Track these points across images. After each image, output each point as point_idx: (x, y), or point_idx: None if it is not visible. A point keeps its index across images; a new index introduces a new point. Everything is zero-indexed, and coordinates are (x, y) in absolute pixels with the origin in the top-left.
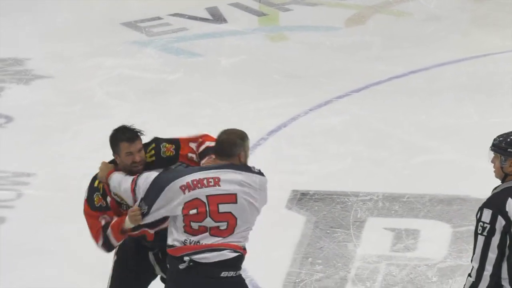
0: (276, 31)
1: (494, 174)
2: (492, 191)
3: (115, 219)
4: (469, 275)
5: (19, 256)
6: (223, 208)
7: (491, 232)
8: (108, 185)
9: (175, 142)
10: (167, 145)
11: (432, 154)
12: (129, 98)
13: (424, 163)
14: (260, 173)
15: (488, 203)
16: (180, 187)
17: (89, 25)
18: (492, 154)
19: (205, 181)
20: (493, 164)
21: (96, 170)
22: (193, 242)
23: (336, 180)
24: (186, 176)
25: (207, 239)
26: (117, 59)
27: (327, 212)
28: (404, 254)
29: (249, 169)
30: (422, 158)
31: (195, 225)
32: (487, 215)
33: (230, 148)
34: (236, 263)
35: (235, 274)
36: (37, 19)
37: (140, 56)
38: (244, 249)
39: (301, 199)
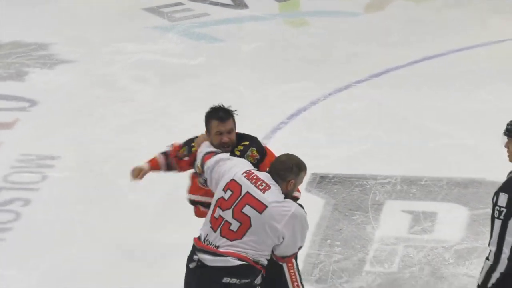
0: (297, 16)
1: (508, 158)
2: (508, 175)
3: None
4: (487, 258)
5: (43, 237)
6: (247, 210)
7: (508, 215)
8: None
9: (262, 153)
10: (254, 151)
11: (449, 139)
12: (151, 83)
13: (442, 147)
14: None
15: (504, 187)
16: (242, 172)
17: (111, 11)
18: (505, 139)
19: (259, 182)
20: (506, 149)
21: (119, 153)
22: (204, 238)
23: (354, 163)
24: (250, 168)
25: (216, 239)
26: (139, 44)
27: (346, 195)
28: (422, 236)
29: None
30: (439, 142)
31: (218, 212)
32: (503, 199)
33: (284, 172)
34: (241, 271)
35: (238, 282)
36: (60, 4)
37: (162, 41)
38: (256, 262)
39: (320, 182)
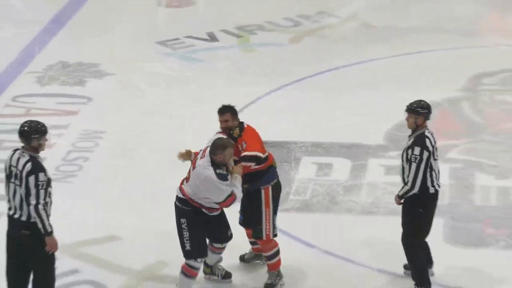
0: (248, 47)
1: (407, 126)
2: (409, 136)
3: None
4: (406, 184)
5: (97, 181)
6: (192, 169)
7: (420, 160)
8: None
9: (241, 130)
10: (237, 130)
11: (340, 119)
12: (160, 86)
13: (336, 125)
14: (219, 175)
15: (415, 143)
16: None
17: (137, 42)
18: (406, 114)
19: (202, 154)
20: (407, 121)
21: (140, 131)
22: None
23: (283, 134)
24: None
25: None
26: (153, 63)
27: (278, 153)
28: (323, 178)
29: (212, 165)
30: (335, 122)
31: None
32: (417, 150)
33: (214, 149)
34: (183, 202)
35: (181, 206)
36: (104, 37)
37: (167, 61)
38: (193, 200)
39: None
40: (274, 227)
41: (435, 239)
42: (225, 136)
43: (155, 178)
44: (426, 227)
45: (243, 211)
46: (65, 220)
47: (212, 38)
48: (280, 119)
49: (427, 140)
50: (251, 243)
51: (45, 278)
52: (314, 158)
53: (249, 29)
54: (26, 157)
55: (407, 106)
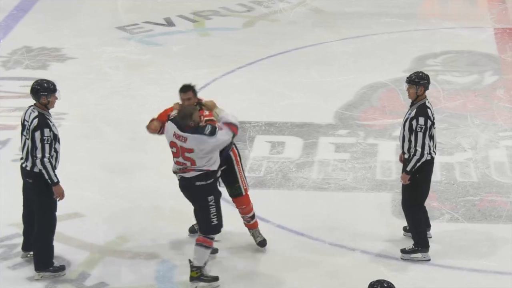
0: (203, 30)
1: (408, 97)
2: (410, 106)
3: None
4: (414, 154)
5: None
6: (187, 154)
7: (426, 129)
8: None
9: (201, 107)
10: (197, 106)
11: (292, 99)
12: (121, 70)
13: (288, 105)
14: (208, 134)
15: (418, 114)
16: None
17: (98, 28)
18: (406, 85)
19: (181, 138)
20: (407, 91)
21: (103, 110)
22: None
23: (238, 114)
24: (177, 129)
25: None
26: (114, 47)
27: None
28: (276, 155)
29: (197, 131)
30: (287, 102)
31: (174, 159)
32: (421, 120)
33: (186, 121)
34: (204, 177)
35: (205, 182)
36: (68, 23)
37: (127, 46)
38: (210, 168)
39: None
40: (246, 180)
41: (384, 213)
42: (180, 106)
43: (115, 156)
44: (425, 191)
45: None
46: None
47: (169, 23)
48: (235, 99)
49: (429, 111)
50: (249, 218)
51: (42, 223)
52: (268, 136)
53: (205, 14)
54: (35, 113)
55: (407, 77)
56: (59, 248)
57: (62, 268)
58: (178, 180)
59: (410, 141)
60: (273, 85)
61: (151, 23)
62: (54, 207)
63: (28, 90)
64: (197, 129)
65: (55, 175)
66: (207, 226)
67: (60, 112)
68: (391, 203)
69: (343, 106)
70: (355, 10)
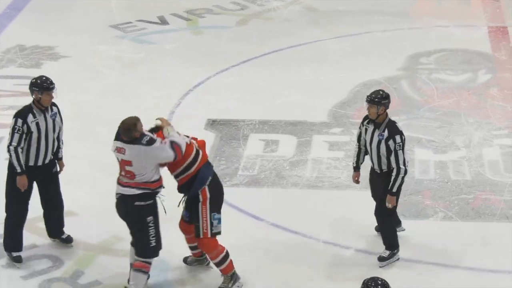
0: (197, 29)
1: (370, 116)
2: (367, 123)
3: None
4: (399, 173)
5: None
6: (127, 168)
7: (403, 146)
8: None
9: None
10: None
11: (286, 98)
12: (113, 68)
13: (281, 103)
14: (146, 142)
15: (392, 133)
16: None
17: (91, 26)
18: (367, 105)
19: (121, 150)
20: (368, 111)
21: (98, 108)
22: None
23: (232, 112)
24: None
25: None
26: (107, 45)
27: (227, 131)
28: (270, 154)
29: (135, 142)
30: (281, 100)
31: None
32: (398, 138)
33: (129, 134)
34: (144, 197)
35: (144, 203)
36: (62, 22)
37: (120, 44)
38: (150, 185)
39: (212, 123)
40: (212, 225)
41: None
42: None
43: (108, 155)
44: (398, 198)
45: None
46: None
47: (163, 21)
48: (229, 97)
49: (398, 125)
50: (190, 248)
51: (5, 206)
52: (261, 135)
53: (198, 12)
54: (27, 104)
55: (368, 97)
56: (53, 246)
57: (17, 259)
58: (116, 199)
59: (388, 160)
60: (266, 83)
61: (144, 22)
62: (17, 195)
63: (21, 88)
64: (136, 140)
65: (20, 165)
66: (145, 248)
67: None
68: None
69: (337, 104)
70: (349, 8)
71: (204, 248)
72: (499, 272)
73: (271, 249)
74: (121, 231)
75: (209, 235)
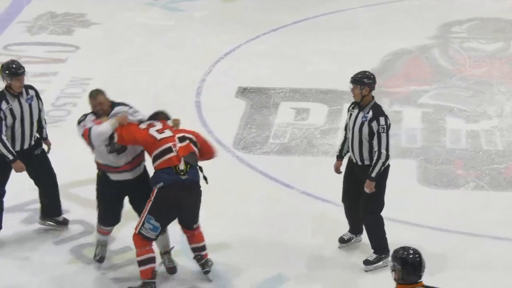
0: None
1: (354, 98)
2: (360, 107)
3: None
4: (379, 158)
5: None
6: None
7: (387, 129)
8: None
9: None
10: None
11: (317, 65)
12: (144, 35)
13: (312, 71)
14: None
15: (377, 114)
16: None
17: None
18: (352, 85)
19: None
20: (352, 92)
21: (126, 74)
22: None
23: (262, 80)
24: None
25: None
26: (137, 12)
27: (258, 99)
28: (301, 122)
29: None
30: (312, 67)
31: None
32: (382, 120)
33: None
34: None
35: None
36: None
37: (150, 11)
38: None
39: (243, 91)
40: (143, 225)
41: (409, 180)
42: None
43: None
44: (383, 196)
45: None
46: (56, 162)
47: None
48: (259, 66)
49: (382, 108)
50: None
51: None
52: (292, 103)
53: None
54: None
55: (352, 77)
56: (85, 211)
57: None
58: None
59: (371, 144)
60: (297, 51)
61: None
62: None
63: (52, 55)
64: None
65: (10, 152)
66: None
67: (85, 77)
68: (417, 170)
69: None
70: None
71: (133, 240)
72: None
73: (301, 217)
74: None
75: (136, 231)
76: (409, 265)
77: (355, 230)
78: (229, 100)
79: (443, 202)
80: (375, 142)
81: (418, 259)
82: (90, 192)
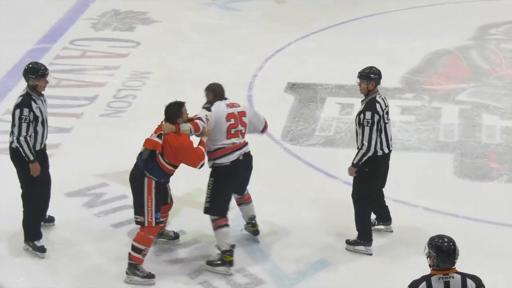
0: None
1: (360, 92)
2: (362, 101)
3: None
4: (361, 148)
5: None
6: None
7: (372, 123)
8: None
9: None
10: None
11: (361, 64)
12: (201, 33)
13: (357, 69)
14: None
15: (366, 108)
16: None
17: None
18: (359, 80)
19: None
20: (359, 86)
21: (186, 64)
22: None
23: (309, 76)
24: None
25: None
26: (195, 12)
27: (305, 94)
28: (346, 116)
29: None
30: (357, 66)
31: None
32: (368, 114)
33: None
34: None
35: None
36: None
37: (208, 10)
38: None
39: (292, 87)
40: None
41: (445, 173)
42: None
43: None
44: (373, 186)
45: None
46: (116, 150)
47: None
48: (308, 63)
49: (377, 105)
50: None
51: (22, 194)
52: (338, 98)
53: None
54: (23, 93)
55: (359, 72)
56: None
57: (42, 249)
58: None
59: (358, 135)
60: (343, 50)
61: None
62: (33, 182)
63: (116, 50)
64: None
65: (32, 153)
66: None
67: (145, 71)
68: (453, 163)
69: (409, 71)
70: None
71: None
72: None
73: (343, 205)
74: (204, 185)
75: (153, 224)
76: (444, 252)
77: (379, 218)
78: (279, 95)
79: (478, 194)
80: (360, 133)
81: (452, 246)
82: None
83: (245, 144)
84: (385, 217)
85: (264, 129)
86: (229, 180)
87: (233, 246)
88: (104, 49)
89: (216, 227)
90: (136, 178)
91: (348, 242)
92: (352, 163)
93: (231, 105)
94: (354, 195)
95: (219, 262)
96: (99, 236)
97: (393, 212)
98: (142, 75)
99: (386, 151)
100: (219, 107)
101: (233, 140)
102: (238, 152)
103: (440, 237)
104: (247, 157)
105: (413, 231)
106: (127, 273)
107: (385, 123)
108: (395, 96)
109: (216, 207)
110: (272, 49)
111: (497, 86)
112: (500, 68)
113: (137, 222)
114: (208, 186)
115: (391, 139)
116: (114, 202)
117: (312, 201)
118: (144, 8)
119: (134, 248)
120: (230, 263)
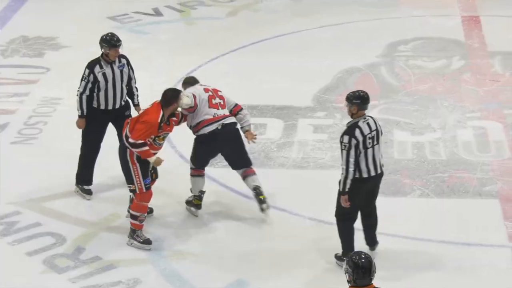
0: (189, 20)
1: (348, 114)
2: (347, 124)
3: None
4: (342, 173)
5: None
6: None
7: (349, 148)
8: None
9: None
10: None
11: (273, 84)
12: None
13: (269, 90)
14: None
15: (346, 132)
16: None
17: (90, 18)
18: (346, 103)
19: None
20: (347, 109)
21: None
22: None
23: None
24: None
25: None
26: None
27: None
28: (259, 136)
29: None
30: (268, 86)
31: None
32: (346, 139)
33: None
34: None
35: None
36: (62, 11)
37: (118, 34)
38: None
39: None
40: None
41: None
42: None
43: (108, 140)
44: (352, 209)
45: None
46: (28, 177)
47: (157, 13)
48: (219, 84)
49: (356, 130)
50: None
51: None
52: (250, 119)
53: (190, 4)
54: (95, 58)
55: (346, 95)
56: (57, 224)
57: (88, 192)
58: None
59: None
60: (255, 70)
61: (140, 13)
62: (90, 137)
63: (25, 77)
64: None
65: (82, 110)
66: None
67: (56, 97)
68: None
69: (321, 89)
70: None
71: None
72: (473, 245)
73: (259, 225)
74: (120, 208)
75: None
76: (360, 268)
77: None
78: None
79: (391, 209)
80: (340, 156)
81: (369, 263)
82: (62, 205)
83: (226, 116)
84: (369, 240)
85: (235, 107)
86: (205, 148)
87: (202, 192)
88: (13, 76)
89: (192, 175)
90: (120, 151)
91: (336, 256)
92: (339, 191)
93: (204, 85)
94: (335, 213)
95: (190, 199)
96: (14, 265)
97: (309, 229)
98: (53, 101)
99: (366, 175)
100: (195, 86)
101: (214, 111)
102: (216, 124)
103: (358, 253)
104: (227, 127)
105: (329, 249)
106: (128, 237)
107: (366, 148)
108: (306, 115)
109: (194, 161)
110: (184, 71)
111: (407, 102)
112: (409, 85)
113: (130, 190)
114: (192, 147)
115: (379, 162)
116: (28, 230)
117: (228, 222)
118: (53, 33)
119: (132, 216)
120: (197, 206)
